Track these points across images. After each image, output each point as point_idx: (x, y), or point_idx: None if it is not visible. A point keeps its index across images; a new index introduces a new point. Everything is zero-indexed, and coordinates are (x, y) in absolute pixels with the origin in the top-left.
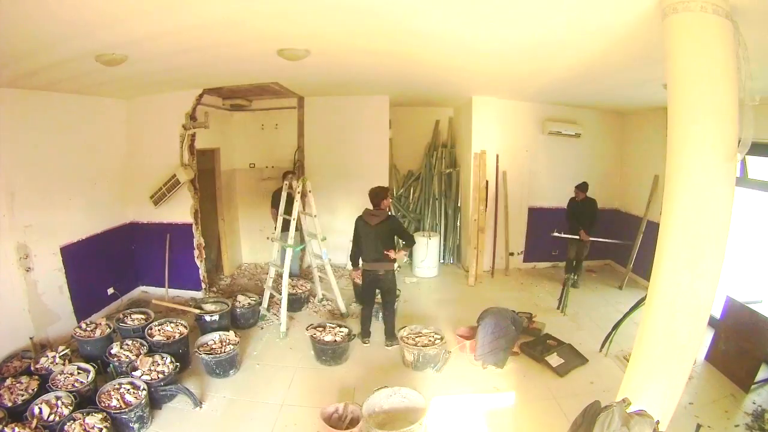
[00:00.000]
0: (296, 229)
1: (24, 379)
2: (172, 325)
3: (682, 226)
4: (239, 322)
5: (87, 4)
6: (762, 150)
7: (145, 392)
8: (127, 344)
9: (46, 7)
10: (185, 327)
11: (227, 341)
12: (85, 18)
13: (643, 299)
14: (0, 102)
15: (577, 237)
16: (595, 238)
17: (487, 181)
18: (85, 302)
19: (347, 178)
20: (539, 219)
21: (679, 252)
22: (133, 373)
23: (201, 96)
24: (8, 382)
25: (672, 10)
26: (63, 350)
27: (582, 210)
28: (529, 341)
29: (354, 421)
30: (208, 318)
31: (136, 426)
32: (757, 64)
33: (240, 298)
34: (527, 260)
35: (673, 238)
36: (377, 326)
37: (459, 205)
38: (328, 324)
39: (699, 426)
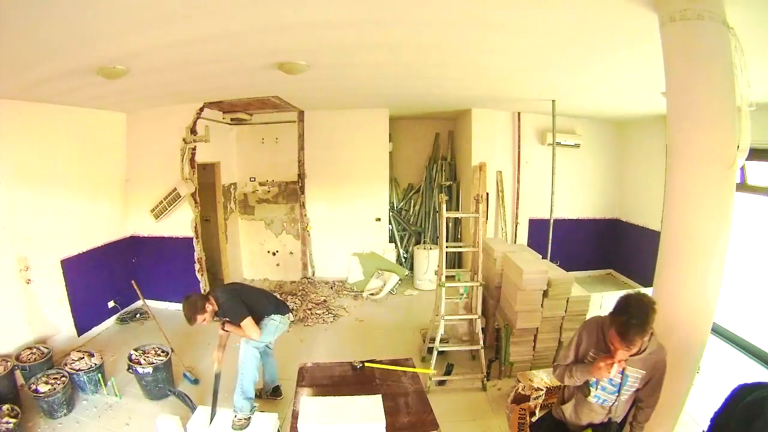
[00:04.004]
0: None
1: None
2: None
3: (683, 233)
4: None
5: (88, 18)
6: (760, 155)
7: None
8: None
9: (48, 20)
10: None
11: None
12: (87, 31)
13: None
14: (1, 114)
15: None
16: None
17: (487, 193)
18: (85, 315)
19: (348, 191)
20: (540, 230)
21: (681, 259)
22: None
23: (201, 110)
24: None
25: (669, 19)
26: None
27: None
28: None
29: None
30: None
31: None
32: (757, 71)
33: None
34: None
35: (675, 245)
36: None
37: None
38: None
39: None
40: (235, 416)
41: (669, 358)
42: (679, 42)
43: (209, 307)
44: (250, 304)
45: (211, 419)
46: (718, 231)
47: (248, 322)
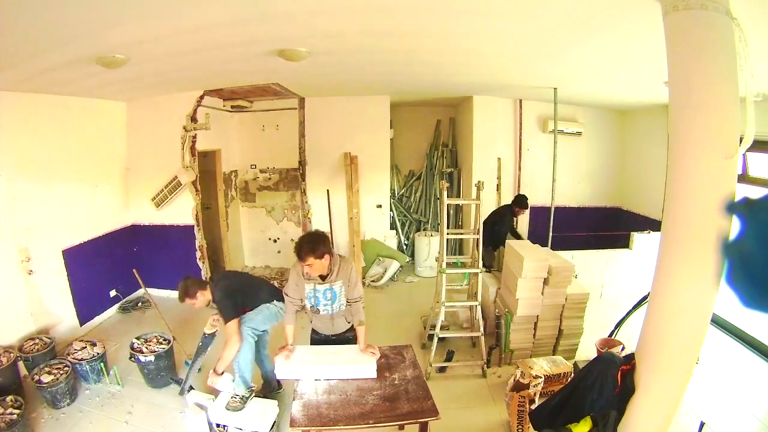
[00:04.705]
0: None
1: None
2: None
3: (684, 223)
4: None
5: (87, 8)
6: (762, 147)
7: None
8: None
9: (47, 10)
10: None
11: None
12: (86, 21)
13: (645, 297)
14: (1, 105)
15: None
16: None
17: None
18: (87, 304)
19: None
20: (540, 217)
21: (682, 249)
22: None
23: (202, 97)
24: None
25: (673, 8)
26: None
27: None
28: None
29: None
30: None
31: None
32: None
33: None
34: None
35: (676, 235)
36: None
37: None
38: None
39: (703, 424)
40: (231, 397)
41: (668, 349)
42: (682, 32)
43: (200, 296)
44: (252, 292)
45: (184, 385)
46: (720, 221)
47: (232, 326)
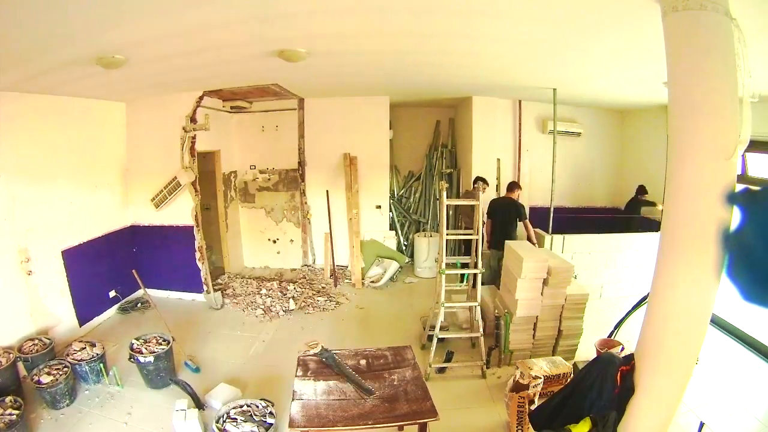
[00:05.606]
0: None
1: None
2: None
3: (683, 224)
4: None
5: (87, 8)
6: (761, 147)
7: None
8: None
9: (47, 10)
10: None
11: None
12: (86, 21)
13: (645, 297)
14: (1, 105)
15: None
16: None
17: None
18: (86, 305)
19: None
20: (540, 218)
21: (681, 250)
22: None
23: (201, 98)
24: None
25: (672, 9)
26: None
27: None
28: None
29: None
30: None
31: None
32: (759, 63)
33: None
34: None
35: (675, 236)
36: None
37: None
38: None
39: (702, 424)
40: None
41: (668, 349)
42: (682, 32)
43: None
44: None
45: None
46: (719, 219)
47: None
